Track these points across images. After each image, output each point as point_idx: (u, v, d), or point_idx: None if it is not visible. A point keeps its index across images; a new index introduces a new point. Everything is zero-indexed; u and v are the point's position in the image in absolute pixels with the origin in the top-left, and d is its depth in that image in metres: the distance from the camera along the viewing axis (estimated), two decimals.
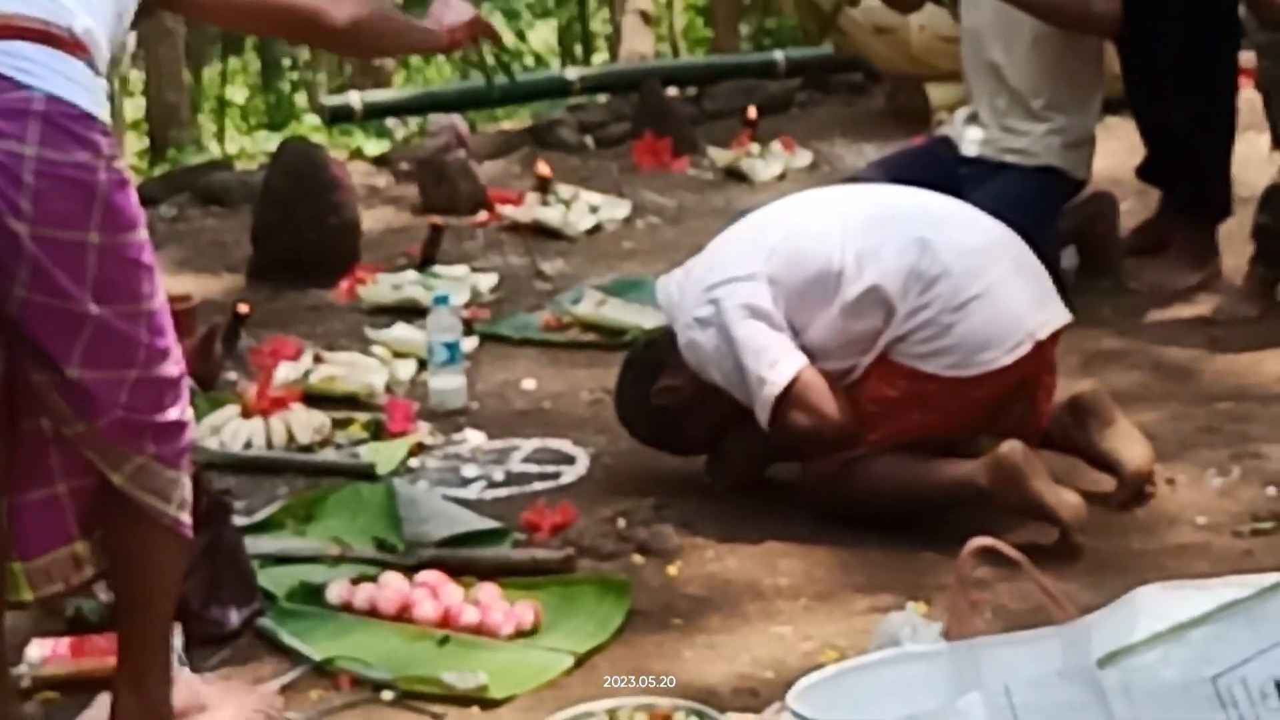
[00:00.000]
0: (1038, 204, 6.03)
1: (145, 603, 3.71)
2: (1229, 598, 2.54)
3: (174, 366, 3.51)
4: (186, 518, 3.61)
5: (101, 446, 3.44)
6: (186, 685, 3.95)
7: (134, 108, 20.25)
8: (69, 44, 3.30)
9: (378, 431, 5.69)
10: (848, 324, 4.68)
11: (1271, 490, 4.87)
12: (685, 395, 4.88)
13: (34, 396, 3.44)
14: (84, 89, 3.30)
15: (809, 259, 4.71)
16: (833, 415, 4.64)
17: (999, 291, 4.69)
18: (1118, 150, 7.05)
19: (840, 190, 5.20)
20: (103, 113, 3.32)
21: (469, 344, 6.40)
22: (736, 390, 4.76)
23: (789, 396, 4.62)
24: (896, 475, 4.71)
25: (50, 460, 3.54)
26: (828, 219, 4.84)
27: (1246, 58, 6.72)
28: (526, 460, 5.44)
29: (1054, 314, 4.81)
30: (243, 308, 6.50)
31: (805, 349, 4.68)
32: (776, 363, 4.62)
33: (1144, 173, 6.98)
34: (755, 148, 9.39)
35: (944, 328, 4.64)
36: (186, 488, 3.61)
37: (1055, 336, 4.80)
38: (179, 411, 3.53)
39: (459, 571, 4.60)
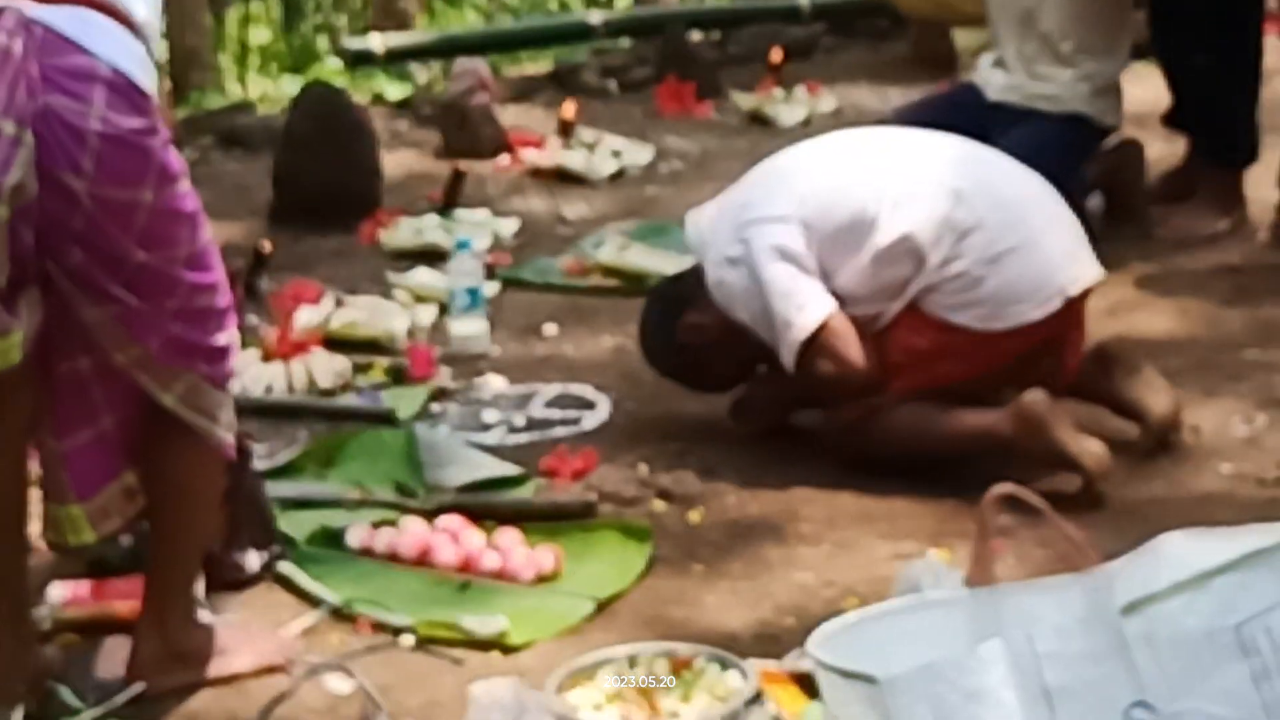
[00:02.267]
0: (1066, 151, 6.03)
1: (182, 530, 3.87)
2: (1253, 546, 2.55)
3: (220, 298, 3.70)
4: (231, 440, 3.80)
5: (154, 368, 3.60)
6: (207, 629, 3.99)
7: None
8: (133, 26, 3.46)
9: (399, 376, 5.71)
10: (878, 271, 4.68)
11: None
12: (711, 333, 4.89)
13: (74, 337, 3.58)
14: (141, 67, 3.46)
15: (842, 204, 4.71)
16: (858, 362, 4.65)
17: (1033, 245, 4.70)
18: (1143, 97, 7.02)
19: (875, 133, 5.21)
20: (154, 92, 3.48)
21: (490, 289, 6.41)
22: (763, 331, 4.76)
23: (816, 341, 4.63)
24: (920, 423, 4.73)
25: (93, 397, 3.67)
26: (862, 163, 4.86)
27: (1272, 4, 6.68)
28: (548, 406, 5.46)
29: (1086, 270, 4.82)
30: (265, 246, 6.51)
31: (835, 293, 4.68)
32: (805, 306, 4.62)
33: (1170, 119, 6.99)
34: (779, 92, 9.39)
35: (976, 279, 4.65)
36: (231, 410, 3.80)
37: (1086, 292, 4.81)
38: (226, 338, 3.71)
39: (480, 516, 4.62)
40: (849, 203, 4.70)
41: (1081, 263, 4.82)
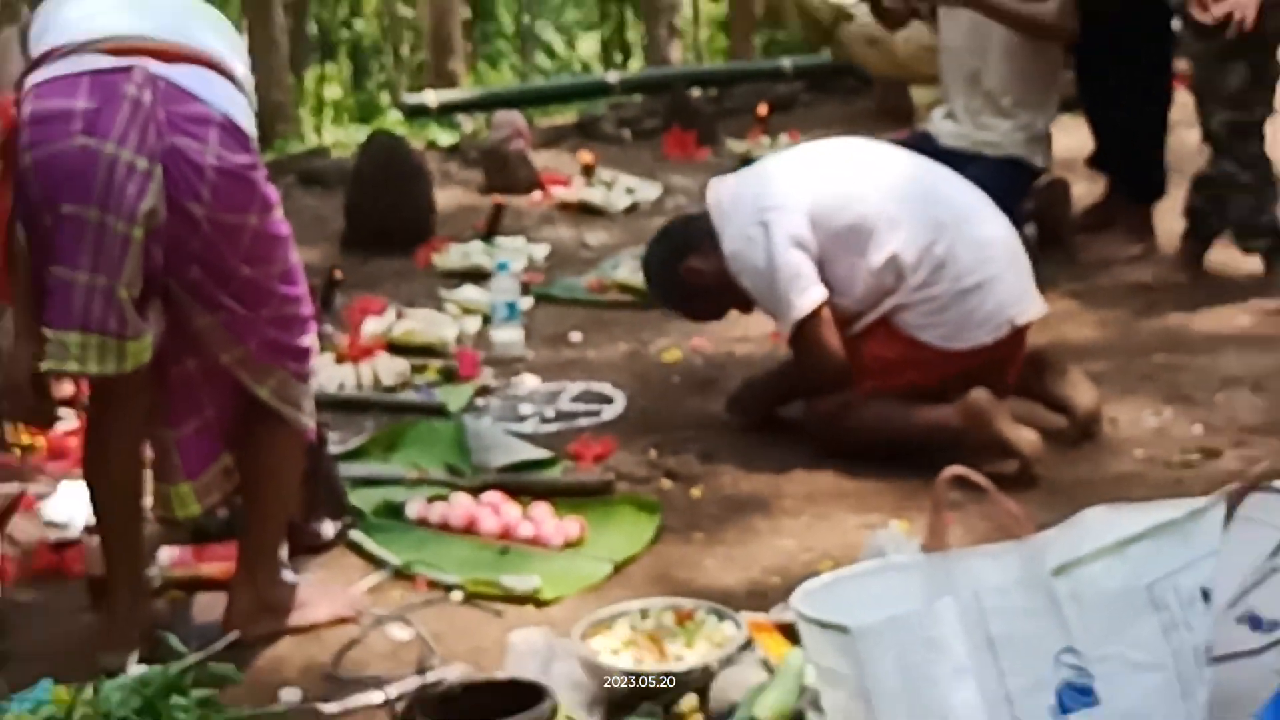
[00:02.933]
0: (1006, 189, 6.00)
1: (270, 502, 3.94)
2: (1163, 518, 2.55)
3: (305, 308, 3.81)
4: (312, 425, 3.93)
5: (252, 366, 3.71)
6: (289, 586, 4.01)
7: None
8: (235, 80, 3.61)
9: (449, 376, 5.71)
10: (865, 277, 4.70)
11: (1198, 429, 4.88)
12: (709, 279, 4.90)
13: (185, 342, 3.69)
14: (244, 114, 3.59)
15: (848, 209, 4.72)
16: (835, 345, 4.69)
17: (994, 281, 4.72)
18: (1070, 144, 7.03)
19: (885, 150, 5.16)
20: (254, 134, 3.60)
21: (525, 303, 6.42)
22: (763, 300, 4.82)
23: (810, 320, 4.66)
24: (886, 417, 4.74)
25: (199, 393, 3.78)
26: (869, 175, 4.86)
27: (1180, 65, 6.69)
28: (573, 400, 5.45)
29: (1033, 305, 4.85)
30: (337, 273, 6.55)
31: (826, 283, 4.70)
32: (806, 290, 4.65)
33: (1092, 162, 7.01)
34: (766, 140, 9.41)
35: (943, 306, 4.68)
36: (312, 401, 3.91)
37: (1029, 323, 4.83)
38: (309, 340, 3.82)
39: (517, 493, 4.64)
40: (853, 210, 4.71)
41: (1029, 298, 4.84)
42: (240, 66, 3.66)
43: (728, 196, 4.92)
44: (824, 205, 4.71)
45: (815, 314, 4.66)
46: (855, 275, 4.70)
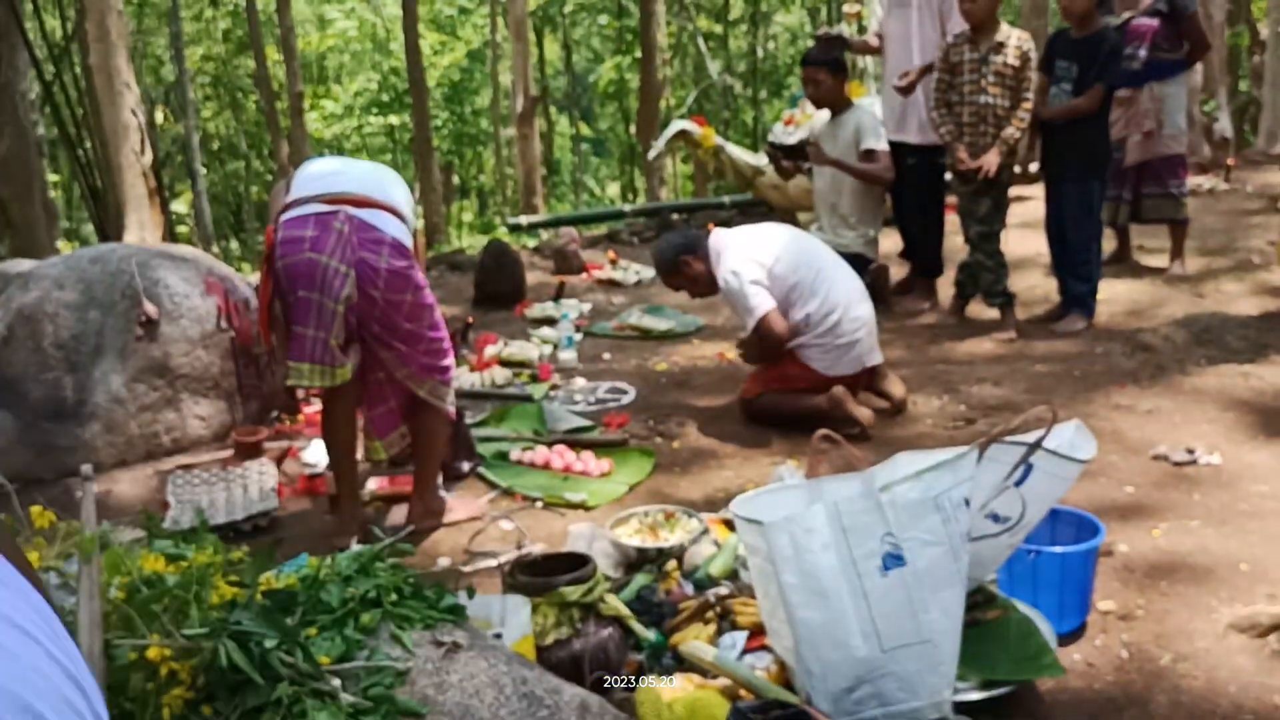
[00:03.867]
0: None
1: (429, 451, 3.98)
2: (943, 458, 2.57)
3: (446, 344, 3.84)
4: (453, 408, 3.96)
5: (415, 379, 3.78)
6: (441, 499, 4.03)
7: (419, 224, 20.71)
8: (398, 214, 3.67)
9: (534, 379, 5.71)
10: (789, 321, 4.70)
11: (962, 408, 4.89)
12: (697, 274, 4.84)
13: (378, 364, 3.79)
14: (404, 235, 3.65)
15: (790, 274, 4.68)
16: (781, 332, 4.66)
17: (860, 341, 4.75)
18: (889, 245, 7.03)
19: (811, 241, 5.06)
20: (411, 247, 3.67)
21: (578, 337, 6.43)
22: (737, 308, 4.76)
23: (765, 316, 4.63)
24: (784, 403, 4.75)
25: (385, 391, 3.84)
26: (805, 252, 4.81)
27: (951, 198, 6.70)
28: (605, 392, 5.42)
29: (876, 355, 4.88)
30: (470, 320, 6.57)
31: None
32: (761, 304, 4.62)
33: (902, 255, 7.01)
34: None
35: (829, 350, 4.72)
36: (453, 395, 3.93)
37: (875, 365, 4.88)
38: (448, 362, 3.85)
39: (574, 445, 4.64)
40: (790, 277, 4.68)
41: (876, 352, 4.88)
42: (406, 209, 3.72)
43: (722, 244, 4.81)
44: (779, 265, 4.69)
45: (768, 314, 4.64)
46: (786, 316, 4.70)
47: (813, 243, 5.03)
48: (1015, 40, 5.74)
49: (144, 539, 2.32)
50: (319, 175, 3.75)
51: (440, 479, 4.31)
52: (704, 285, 4.87)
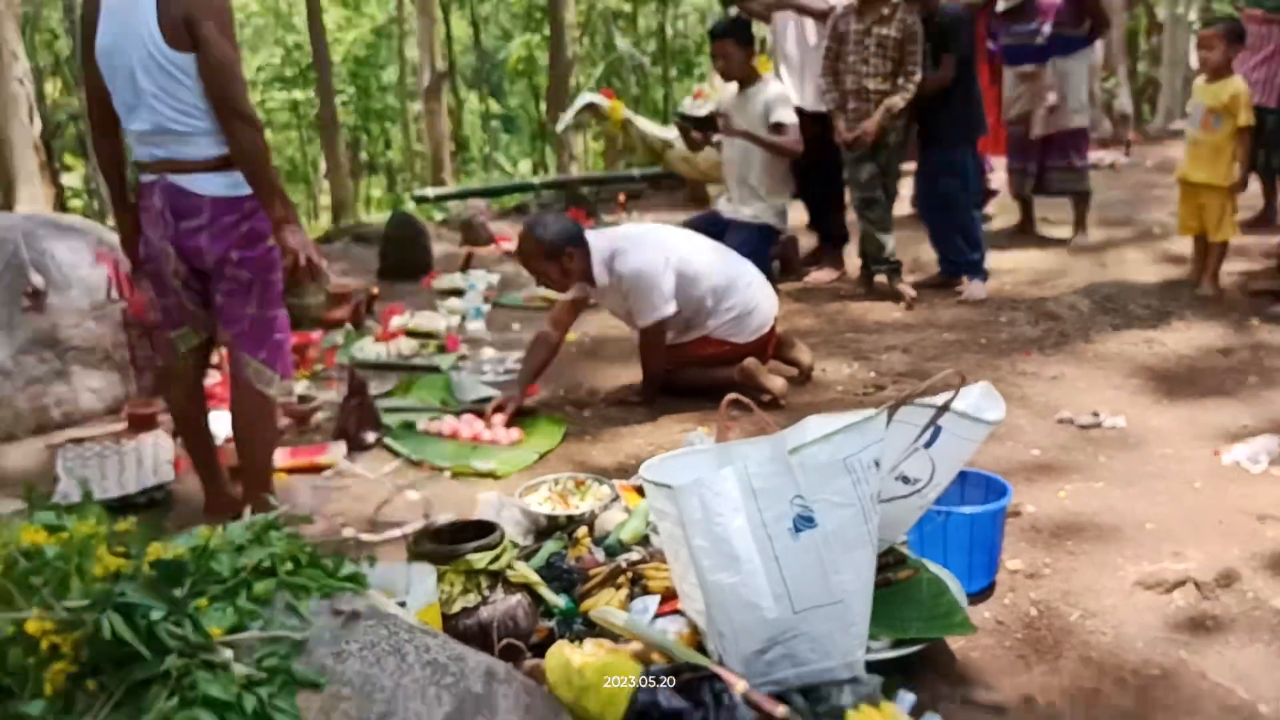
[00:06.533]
0: (760, 242, 6.03)
1: (245, 440, 3.52)
2: (849, 421, 2.54)
3: (282, 329, 3.40)
4: (274, 395, 3.44)
5: (237, 349, 3.36)
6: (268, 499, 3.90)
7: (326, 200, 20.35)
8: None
9: (442, 349, 5.61)
10: (694, 305, 4.62)
11: (871, 374, 4.91)
12: (573, 268, 4.51)
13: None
14: (228, 189, 3.22)
15: (688, 266, 4.58)
16: (664, 338, 4.62)
17: (760, 304, 4.72)
18: (796, 217, 7.02)
19: (694, 235, 4.93)
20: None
21: (487, 308, 6.34)
22: (639, 300, 4.51)
23: (658, 322, 4.54)
24: (697, 374, 4.70)
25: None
26: (697, 249, 4.72)
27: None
28: (515, 363, 5.32)
29: (774, 314, 4.81)
30: (375, 290, 6.43)
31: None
32: (666, 305, 4.50)
33: (810, 226, 7.04)
34: (624, 215, 9.32)
35: (732, 322, 4.68)
36: (283, 392, 3.48)
37: (775, 324, 4.82)
38: (282, 350, 3.43)
39: (480, 414, 4.55)
40: (690, 267, 4.59)
41: (774, 311, 4.81)
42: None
43: (622, 238, 4.65)
44: (677, 258, 4.57)
45: (662, 321, 4.55)
46: (690, 305, 4.61)
47: (706, 244, 4.91)
48: (900, 14, 5.82)
49: (25, 511, 2.20)
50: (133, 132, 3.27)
51: (343, 451, 4.20)
52: (573, 279, 4.60)
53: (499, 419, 4.46)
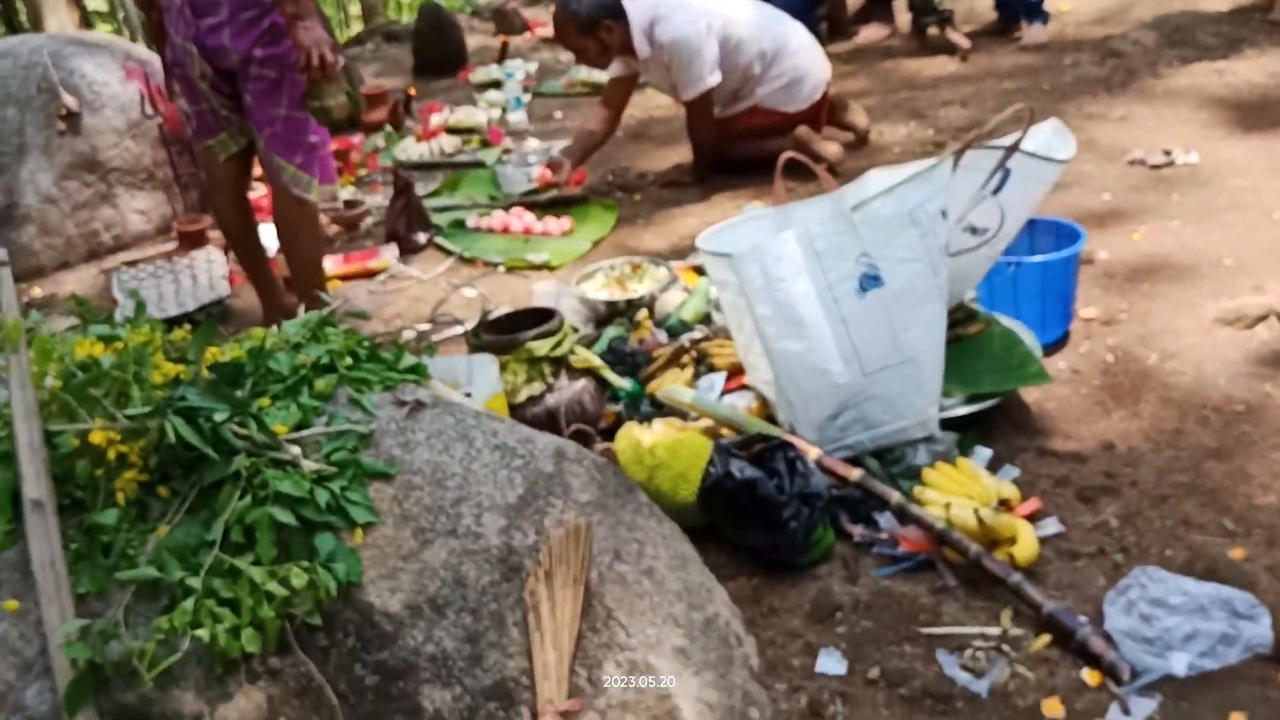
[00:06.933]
0: (809, 2, 5.74)
1: (292, 250, 3.49)
2: (913, 171, 2.44)
3: (313, 134, 3.27)
4: (314, 200, 3.36)
5: (269, 154, 3.27)
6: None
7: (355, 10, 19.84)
8: None
9: (485, 144, 5.48)
10: (740, 74, 4.42)
11: (930, 132, 4.74)
12: (613, 43, 4.32)
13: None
14: None
15: (731, 35, 4.36)
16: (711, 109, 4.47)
17: (811, 69, 4.49)
18: None
19: None
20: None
21: (527, 98, 6.17)
22: (683, 70, 4.30)
23: (706, 92, 4.36)
24: (750, 148, 4.52)
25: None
26: (741, 13, 4.46)
27: None
28: (560, 152, 5.16)
29: (828, 79, 4.58)
30: (412, 91, 6.25)
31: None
32: (711, 74, 4.31)
33: None
34: None
35: (786, 87, 4.46)
36: (324, 197, 3.41)
37: (828, 91, 4.60)
38: (318, 152, 3.33)
39: (531, 206, 4.49)
40: (734, 31, 4.36)
41: (826, 76, 4.56)
42: None
43: (662, 3, 4.34)
44: (727, 26, 4.35)
45: (708, 92, 4.37)
46: (735, 73, 4.40)
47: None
48: None
49: (79, 327, 2.18)
50: None
51: (395, 253, 4.16)
52: (613, 53, 4.40)
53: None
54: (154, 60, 4.91)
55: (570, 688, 1.63)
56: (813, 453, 2.41)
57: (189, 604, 1.56)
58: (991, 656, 1.96)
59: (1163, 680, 1.87)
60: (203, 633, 1.54)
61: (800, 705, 1.91)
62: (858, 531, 2.34)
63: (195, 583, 1.58)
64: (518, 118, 5.80)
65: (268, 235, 4.10)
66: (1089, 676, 1.89)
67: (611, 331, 3.23)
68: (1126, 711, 1.83)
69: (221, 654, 1.56)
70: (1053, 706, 1.85)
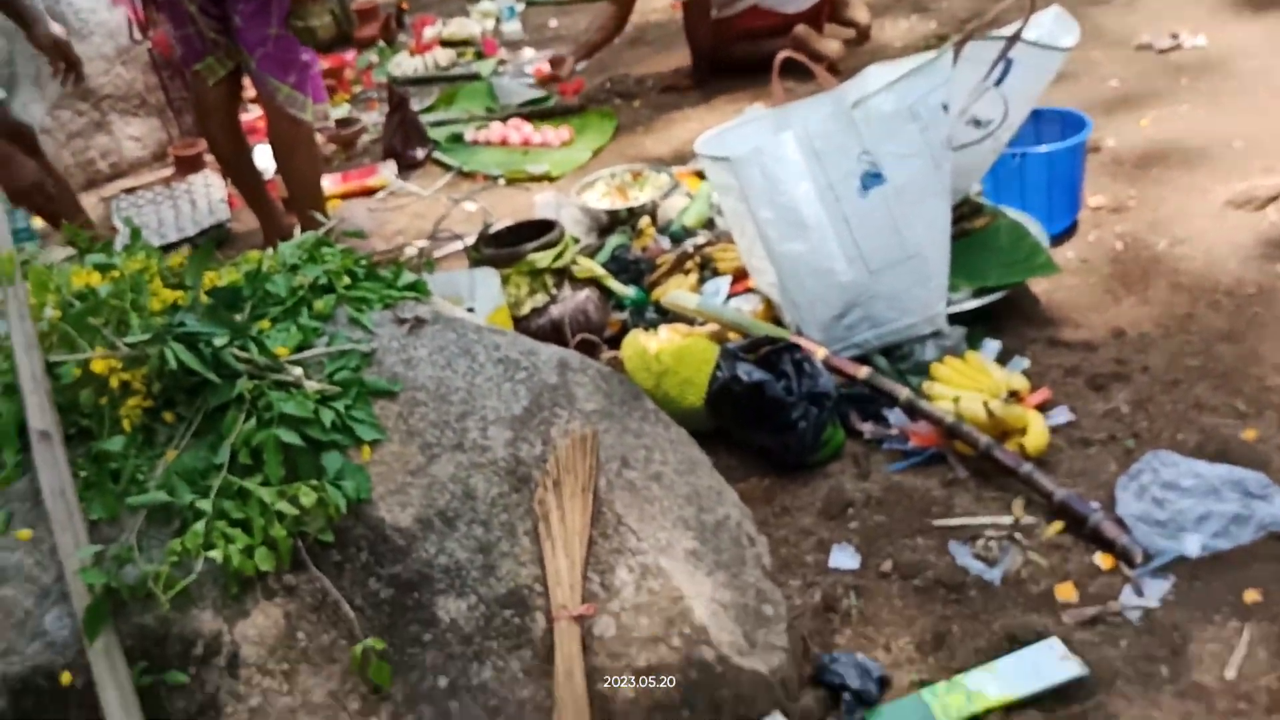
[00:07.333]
0: None
1: (289, 170, 3.47)
2: (914, 65, 2.39)
3: (304, 54, 3.22)
4: (308, 120, 3.31)
5: (261, 76, 3.22)
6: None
7: None
8: None
9: (480, 55, 5.39)
10: None
11: (934, 25, 4.66)
12: None
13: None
14: None
15: None
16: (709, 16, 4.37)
17: None
18: None
19: None
20: None
21: (520, 7, 6.04)
22: None
23: None
24: (748, 49, 4.43)
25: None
26: None
27: None
28: None
29: None
30: (404, 3, 6.14)
31: None
32: None
33: None
34: None
35: None
36: (319, 115, 3.36)
37: None
38: (309, 71, 3.27)
39: (529, 117, 4.43)
40: None
41: None
42: None
43: None
44: None
45: None
46: None
47: None
48: None
49: (75, 257, 2.17)
50: None
51: (394, 170, 4.12)
52: None
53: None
54: None
55: (584, 593, 1.64)
56: (820, 353, 2.40)
57: (200, 526, 1.57)
58: (1004, 545, 1.97)
59: (1176, 561, 1.88)
60: (216, 554, 1.56)
61: (814, 600, 1.93)
62: (868, 429, 2.34)
63: (205, 505, 1.59)
64: (512, 28, 5.71)
65: (263, 157, 4.08)
66: (1102, 561, 1.91)
67: (614, 240, 3.21)
68: (1140, 593, 1.84)
69: (236, 573, 1.57)
70: (1066, 591, 1.86)
